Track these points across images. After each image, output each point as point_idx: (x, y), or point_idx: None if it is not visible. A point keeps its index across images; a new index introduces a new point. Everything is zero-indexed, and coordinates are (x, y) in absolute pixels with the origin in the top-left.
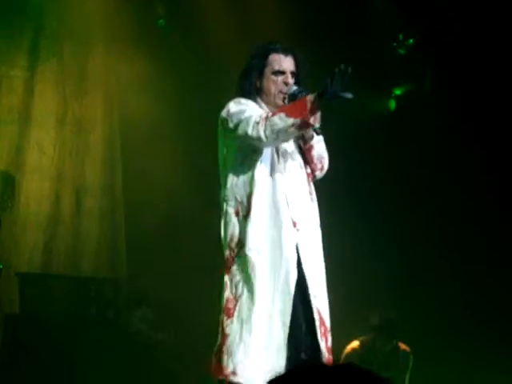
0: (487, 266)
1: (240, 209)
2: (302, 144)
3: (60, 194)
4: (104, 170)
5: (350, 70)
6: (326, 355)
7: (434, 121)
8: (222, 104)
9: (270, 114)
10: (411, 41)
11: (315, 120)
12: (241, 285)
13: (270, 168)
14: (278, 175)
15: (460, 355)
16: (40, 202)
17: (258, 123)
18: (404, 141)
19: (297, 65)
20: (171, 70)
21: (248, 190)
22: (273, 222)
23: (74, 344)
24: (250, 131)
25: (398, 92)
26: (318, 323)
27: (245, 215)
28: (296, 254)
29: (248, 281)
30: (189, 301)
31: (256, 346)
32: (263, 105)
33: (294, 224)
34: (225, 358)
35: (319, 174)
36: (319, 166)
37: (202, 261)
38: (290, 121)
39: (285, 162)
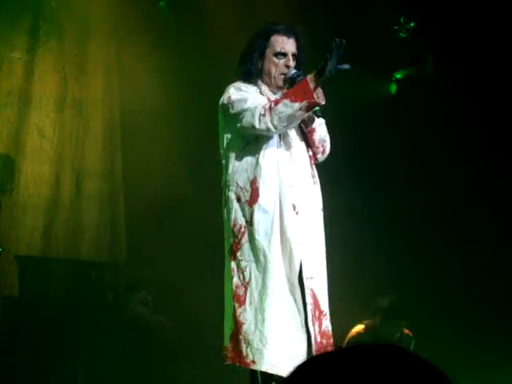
0: (493, 251)
1: (242, 194)
2: (303, 127)
3: (60, 177)
4: (104, 154)
5: (344, 41)
6: (318, 339)
7: (436, 104)
8: (223, 89)
9: (273, 102)
10: (412, 24)
11: (320, 98)
12: (249, 271)
13: (273, 152)
14: (280, 159)
15: (463, 339)
16: (40, 185)
17: (263, 115)
18: (405, 125)
19: (298, 47)
20: (172, 53)
21: (251, 176)
22: (279, 208)
23: (74, 327)
24: (257, 125)
25: (398, 76)
26: (310, 307)
27: (249, 200)
28: (297, 238)
29: (258, 266)
30: (188, 283)
31: (273, 333)
32: (264, 87)
33: (294, 207)
34: (243, 346)
35: (321, 158)
36: (321, 149)
37: (202, 244)
38: (296, 105)
39: (287, 145)
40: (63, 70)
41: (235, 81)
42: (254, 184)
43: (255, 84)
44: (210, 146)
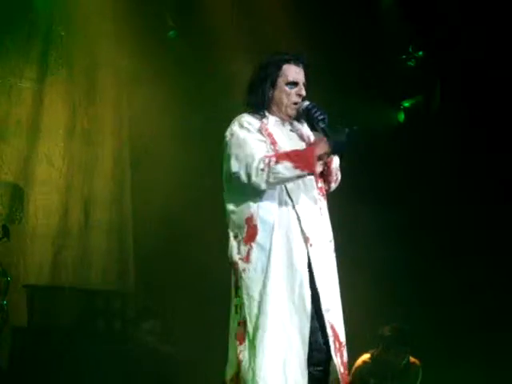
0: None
1: (238, 232)
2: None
3: (68, 206)
4: (113, 183)
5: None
6: (342, 370)
7: (444, 133)
8: (233, 117)
9: (274, 159)
10: (421, 53)
11: (316, 167)
12: (244, 308)
13: (275, 191)
14: (286, 193)
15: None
16: (48, 214)
17: (262, 170)
18: (413, 153)
19: (306, 75)
20: (183, 81)
21: (247, 214)
22: (279, 244)
23: (82, 356)
24: (253, 177)
25: (406, 104)
26: (331, 339)
27: (245, 238)
28: (308, 270)
29: (252, 304)
30: (197, 314)
31: (265, 372)
32: (271, 117)
33: (307, 240)
34: None
35: (333, 186)
36: (335, 177)
37: (212, 274)
38: (297, 172)
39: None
40: (72, 100)
41: (243, 111)
42: (250, 221)
43: (263, 115)
44: (220, 177)
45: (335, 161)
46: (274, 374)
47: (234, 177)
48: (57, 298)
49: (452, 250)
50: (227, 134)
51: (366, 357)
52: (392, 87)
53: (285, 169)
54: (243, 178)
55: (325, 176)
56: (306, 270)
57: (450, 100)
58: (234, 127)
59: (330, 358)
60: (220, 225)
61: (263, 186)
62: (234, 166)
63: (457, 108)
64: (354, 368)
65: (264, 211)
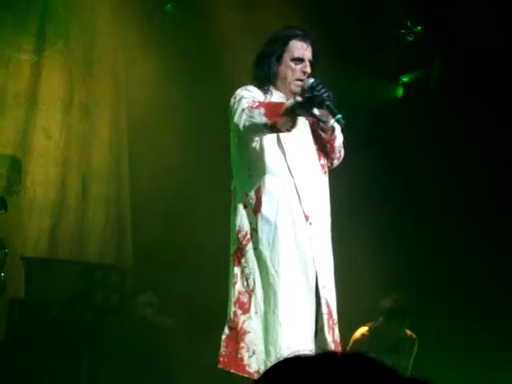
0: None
1: (248, 202)
2: (325, 135)
3: (66, 179)
4: (110, 156)
5: (331, 94)
6: (333, 347)
7: (443, 108)
8: (229, 90)
9: (256, 104)
10: (419, 28)
11: (287, 126)
12: (252, 278)
13: (281, 162)
14: (288, 169)
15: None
16: (46, 187)
17: (243, 110)
18: (412, 129)
19: (313, 53)
20: (179, 54)
21: (256, 184)
22: (284, 218)
23: (79, 329)
24: (236, 117)
25: (405, 79)
26: (326, 316)
27: (254, 209)
28: (310, 248)
29: (262, 276)
30: (195, 286)
31: (282, 344)
32: (275, 93)
33: (307, 218)
34: (246, 355)
35: (336, 163)
36: (338, 154)
37: (209, 247)
38: (264, 120)
39: (299, 155)
40: (70, 72)
41: (248, 84)
42: (258, 192)
43: (267, 90)
44: (218, 150)
45: (339, 138)
46: (286, 348)
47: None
48: (54, 271)
49: (455, 223)
50: (231, 98)
51: (364, 329)
52: (390, 62)
53: (258, 114)
54: (232, 116)
55: (328, 153)
56: (309, 247)
57: (448, 75)
58: (238, 91)
59: (324, 336)
60: (218, 201)
61: (241, 126)
62: (232, 116)
63: (456, 83)
64: (352, 340)
65: (270, 184)
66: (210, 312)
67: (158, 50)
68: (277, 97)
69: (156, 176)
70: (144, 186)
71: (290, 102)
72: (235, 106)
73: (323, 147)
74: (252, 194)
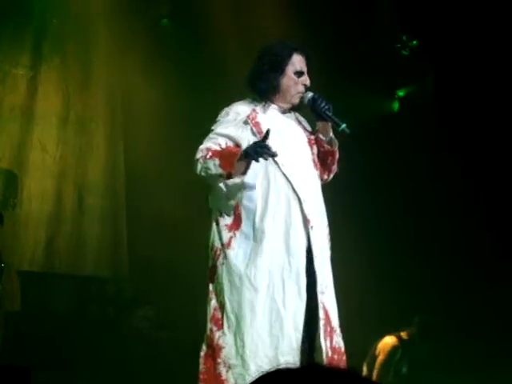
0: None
1: (220, 218)
2: (328, 148)
3: (62, 192)
4: (106, 170)
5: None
6: (329, 354)
7: (438, 122)
8: (227, 102)
9: (209, 154)
10: (415, 42)
11: (240, 172)
12: (223, 294)
13: (267, 174)
14: (283, 176)
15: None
16: (42, 200)
17: (197, 160)
18: (407, 142)
19: (308, 67)
20: (176, 69)
21: (233, 202)
22: (270, 230)
23: (75, 342)
24: (193, 166)
25: (401, 93)
26: (322, 322)
27: (227, 225)
28: (305, 255)
29: (233, 290)
30: (192, 298)
31: (255, 357)
32: (274, 105)
33: (308, 222)
34: (223, 370)
35: (331, 176)
36: (335, 167)
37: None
38: (219, 171)
39: (291, 161)
40: (66, 87)
41: (245, 97)
42: (236, 210)
43: (265, 102)
44: None
45: (337, 152)
46: (265, 360)
47: None
48: (50, 284)
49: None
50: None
51: (393, 341)
52: (386, 76)
53: (213, 165)
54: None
55: (328, 165)
56: (304, 254)
57: (444, 89)
58: (218, 116)
59: (319, 342)
60: None
61: (197, 173)
62: None
63: (451, 97)
64: (381, 353)
65: (248, 200)
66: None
67: (154, 65)
68: (272, 109)
69: (152, 189)
70: (140, 198)
71: (242, 149)
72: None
73: (324, 159)
74: (229, 212)
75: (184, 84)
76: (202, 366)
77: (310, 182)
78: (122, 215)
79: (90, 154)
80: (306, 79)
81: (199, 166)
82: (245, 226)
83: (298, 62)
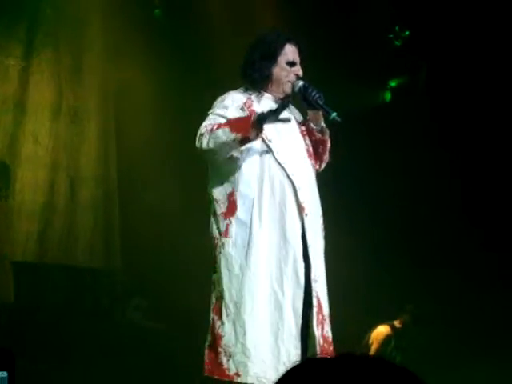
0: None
1: (217, 207)
2: (319, 136)
3: (54, 183)
4: (99, 161)
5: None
6: (321, 343)
7: (430, 112)
8: (221, 93)
9: (216, 126)
10: (407, 33)
11: (255, 135)
12: (221, 283)
13: (262, 162)
14: (278, 164)
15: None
16: (35, 191)
17: (202, 135)
18: (399, 132)
19: (300, 57)
20: (168, 60)
21: (228, 189)
22: (266, 217)
23: (69, 333)
24: (196, 143)
25: (393, 84)
26: (315, 309)
27: (224, 213)
28: (301, 241)
29: (232, 278)
30: (183, 290)
31: (256, 344)
32: (267, 94)
33: (303, 210)
34: (224, 359)
35: (323, 165)
36: (326, 156)
37: (197, 251)
38: (233, 136)
39: (285, 149)
40: (58, 78)
41: (239, 86)
42: (231, 196)
43: (259, 91)
44: None
45: (329, 141)
46: (265, 347)
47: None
48: (43, 275)
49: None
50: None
51: (386, 329)
52: (379, 67)
53: (223, 132)
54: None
55: (320, 154)
56: (300, 241)
57: (436, 79)
58: (214, 103)
59: (312, 330)
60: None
61: (205, 151)
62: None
63: (443, 87)
64: (374, 342)
65: (244, 186)
66: (201, 315)
67: (147, 56)
68: (266, 99)
69: (145, 180)
70: (133, 189)
71: (257, 114)
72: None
73: (315, 148)
74: (223, 198)
75: (177, 75)
76: (206, 357)
77: (304, 171)
78: (115, 206)
79: (82, 145)
80: (298, 69)
81: (205, 139)
82: (240, 212)
83: (290, 52)
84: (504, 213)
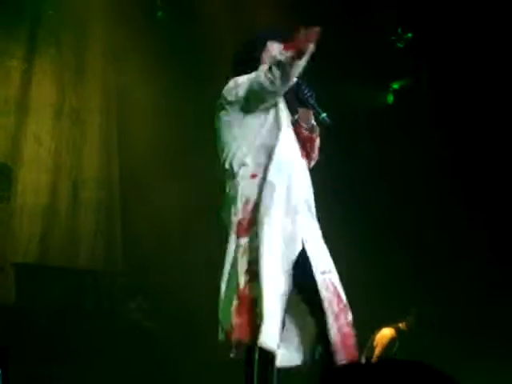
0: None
1: (259, 171)
2: (306, 133)
3: (57, 185)
4: (101, 162)
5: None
6: (350, 332)
7: (432, 114)
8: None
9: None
10: (409, 35)
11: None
12: (261, 249)
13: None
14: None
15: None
16: (37, 193)
17: (264, 71)
18: (402, 134)
19: None
20: (170, 60)
21: (268, 157)
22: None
23: (70, 334)
24: (262, 80)
25: (395, 86)
26: (335, 300)
27: (263, 177)
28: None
29: (271, 243)
30: (185, 291)
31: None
32: None
33: (309, 208)
34: (257, 321)
35: (312, 164)
36: (315, 155)
37: (201, 250)
38: (289, 54)
39: (289, 144)
40: (61, 79)
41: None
42: (253, 177)
43: None
44: (210, 153)
45: (318, 139)
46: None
47: (247, 99)
48: (44, 277)
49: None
50: (225, 89)
51: (391, 332)
52: (381, 69)
53: (280, 54)
54: (256, 89)
55: (307, 152)
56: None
57: (438, 81)
58: (235, 79)
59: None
60: (211, 201)
61: (277, 81)
62: (247, 92)
63: (445, 89)
64: (379, 345)
65: (278, 159)
66: (202, 316)
67: (149, 56)
68: None
69: (147, 182)
70: (135, 191)
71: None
72: (249, 84)
73: (303, 147)
74: (265, 162)
75: (179, 75)
76: (234, 320)
77: (301, 163)
78: (117, 207)
79: (84, 147)
80: None
81: (270, 74)
82: (278, 184)
83: (273, 48)
84: (507, 214)
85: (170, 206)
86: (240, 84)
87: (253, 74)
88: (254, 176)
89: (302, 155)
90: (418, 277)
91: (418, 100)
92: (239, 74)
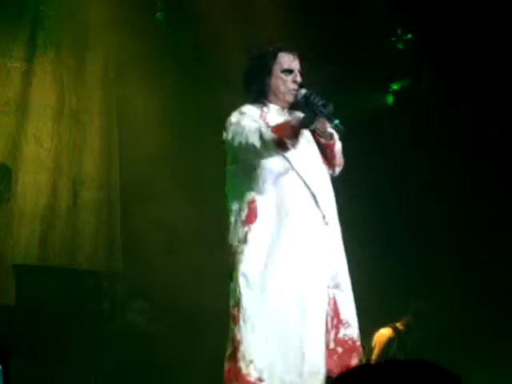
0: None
1: (238, 216)
2: (324, 140)
3: (57, 186)
4: (101, 163)
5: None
6: (332, 346)
7: (432, 115)
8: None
9: (263, 126)
10: (409, 35)
11: (294, 140)
12: (239, 290)
13: (283, 170)
14: (297, 174)
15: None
16: (37, 194)
17: (252, 132)
18: (402, 136)
19: (300, 64)
20: (171, 63)
21: (248, 197)
22: (286, 225)
23: (70, 336)
24: (249, 140)
25: (395, 87)
26: (331, 313)
27: (243, 220)
28: (322, 249)
29: (251, 286)
30: (186, 293)
31: (276, 349)
32: (271, 105)
33: (324, 217)
34: (243, 365)
35: (338, 170)
36: (339, 161)
37: (200, 253)
38: (271, 136)
39: (302, 158)
40: (61, 80)
41: (243, 103)
42: (251, 204)
43: (263, 103)
44: (210, 156)
45: (338, 144)
46: (282, 357)
47: (239, 156)
48: (45, 278)
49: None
50: (227, 124)
51: (388, 332)
52: (381, 70)
53: (266, 130)
54: (236, 145)
55: (329, 159)
56: (321, 249)
57: (438, 83)
58: (233, 117)
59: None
60: (213, 204)
61: (257, 147)
62: (232, 139)
63: (445, 90)
64: (377, 345)
65: (266, 195)
66: (203, 319)
67: (149, 58)
68: (273, 109)
69: (147, 182)
70: (135, 192)
71: (293, 118)
72: (235, 133)
73: (324, 154)
74: (244, 206)
75: (179, 78)
76: (226, 366)
77: (321, 178)
78: (117, 208)
79: (84, 148)
80: (295, 76)
81: (256, 137)
82: (260, 219)
83: (285, 60)
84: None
85: (170, 207)
86: (230, 124)
87: (246, 127)
88: (235, 220)
89: (324, 163)
90: (421, 276)
91: (418, 101)
92: (250, 90)
